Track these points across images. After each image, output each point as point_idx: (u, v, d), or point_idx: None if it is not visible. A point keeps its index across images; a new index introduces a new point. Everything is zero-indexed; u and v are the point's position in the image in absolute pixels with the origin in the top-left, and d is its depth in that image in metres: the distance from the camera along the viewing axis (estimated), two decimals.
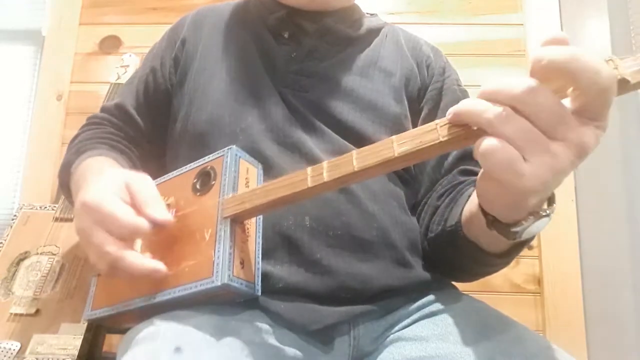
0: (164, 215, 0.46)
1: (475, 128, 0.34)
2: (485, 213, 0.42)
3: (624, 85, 0.32)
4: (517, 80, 0.32)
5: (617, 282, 1.10)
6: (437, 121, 0.36)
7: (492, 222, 0.41)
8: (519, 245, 0.46)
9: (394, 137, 0.38)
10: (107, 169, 0.57)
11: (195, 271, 0.45)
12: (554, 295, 1.22)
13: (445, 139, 0.35)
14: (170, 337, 0.43)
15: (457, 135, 0.35)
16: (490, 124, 0.33)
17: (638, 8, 1.11)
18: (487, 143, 0.33)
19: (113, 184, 0.48)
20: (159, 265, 0.45)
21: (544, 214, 0.38)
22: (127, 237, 0.45)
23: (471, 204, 0.50)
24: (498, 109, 0.33)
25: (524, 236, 0.40)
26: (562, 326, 1.19)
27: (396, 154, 0.37)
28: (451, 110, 0.35)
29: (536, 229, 0.39)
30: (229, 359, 0.42)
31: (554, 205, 0.39)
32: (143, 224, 0.44)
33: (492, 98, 0.33)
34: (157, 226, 0.45)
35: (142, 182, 0.49)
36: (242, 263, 0.46)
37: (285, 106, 0.62)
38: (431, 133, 0.36)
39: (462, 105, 0.34)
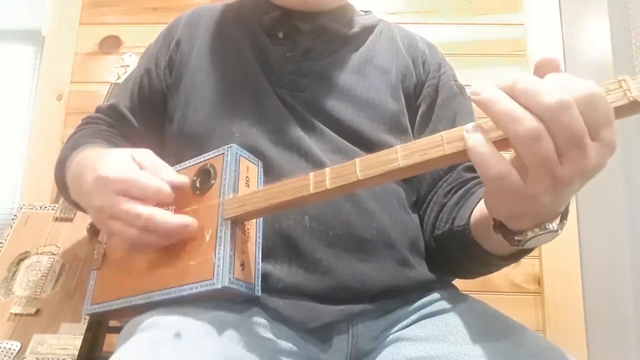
0: (179, 177, 0.47)
1: None
2: (493, 216, 0.42)
3: (636, 107, 0.32)
4: (553, 92, 0.31)
5: (617, 282, 1.09)
6: (442, 133, 0.36)
7: (499, 225, 0.41)
8: (524, 250, 0.46)
9: (398, 147, 0.38)
10: (107, 150, 0.57)
11: (195, 272, 0.45)
12: (554, 295, 1.22)
13: (451, 152, 0.35)
14: (170, 325, 0.43)
15: (463, 150, 0.35)
16: (517, 138, 0.32)
17: (638, 8, 1.11)
18: (481, 155, 0.33)
19: (121, 158, 0.49)
20: (189, 220, 0.46)
21: (550, 228, 0.37)
22: (151, 201, 0.46)
23: (482, 207, 0.50)
24: (531, 124, 0.31)
25: (527, 245, 0.40)
26: (562, 326, 1.19)
27: (400, 165, 0.37)
28: (479, 96, 0.33)
29: (541, 242, 0.39)
30: (227, 349, 0.43)
31: (565, 222, 0.38)
32: (165, 185, 0.46)
33: (523, 100, 0.32)
34: (176, 189, 0.47)
35: (147, 153, 0.50)
36: (242, 265, 0.46)
37: (283, 106, 0.62)
38: (436, 145, 0.36)
39: (495, 102, 0.32)
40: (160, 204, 0.47)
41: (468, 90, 0.35)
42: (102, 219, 0.49)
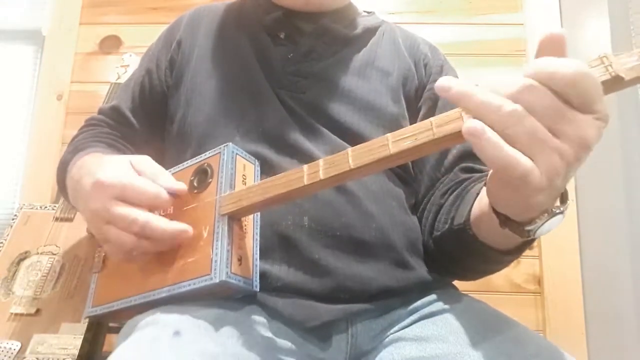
0: (177, 183, 0.48)
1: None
2: (497, 212, 0.42)
3: (618, 82, 0.32)
4: (513, 80, 0.33)
5: (617, 282, 1.10)
6: (431, 119, 0.36)
7: (505, 221, 0.41)
8: (528, 242, 0.46)
9: (389, 134, 0.38)
10: (107, 156, 0.57)
11: (193, 268, 0.45)
12: (554, 295, 1.22)
13: (440, 136, 0.35)
14: (169, 323, 0.43)
15: (452, 133, 0.35)
16: (505, 123, 0.33)
17: (638, 8, 1.11)
18: (491, 146, 0.33)
19: (120, 164, 0.49)
20: (185, 226, 0.47)
21: (557, 211, 0.38)
22: (147, 207, 0.46)
23: (481, 203, 0.49)
24: (513, 106, 0.33)
25: (538, 234, 0.39)
26: (562, 326, 1.19)
27: (391, 152, 0.37)
28: (451, 91, 0.34)
29: (550, 227, 0.39)
30: (226, 347, 0.43)
31: (568, 202, 0.39)
32: (162, 191, 0.46)
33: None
34: (174, 195, 0.47)
35: (146, 160, 0.51)
36: (240, 260, 0.46)
37: (283, 107, 0.62)
38: (426, 130, 0.36)
39: (472, 94, 0.34)
40: (155, 209, 0.48)
41: (435, 86, 0.35)
42: (97, 224, 0.48)
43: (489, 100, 0.33)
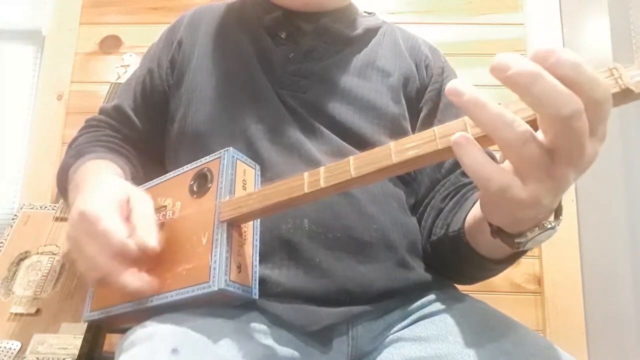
0: (152, 242, 0.45)
1: (473, 137, 0.33)
2: (490, 222, 0.42)
3: (628, 95, 0.32)
4: (570, 100, 0.29)
5: (617, 282, 1.09)
6: (434, 129, 0.36)
7: (497, 231, 0.41)
8: (520, 253, 0.46)
9: (391, 143, 0.37)
10: (107, 176, 0.56)
11: (192, 275, 0.45)
12: (554, 295, 1.22)
13: (444, 147, 0.35)
14: (167, 338, 0.43)
15: None
16: (508, 144, 0.31)
17: (638, 8, 1.11)
18: (481, 172, 0.32)
19: (113, 196, 0.48)
20: (144, 287, 0.45)
21: (549, 226, 0.37)
22: (116, 254, 0.45)
23: (476, 211, 0.50)
24: (520, 128, 0.30)
25: (528, 246, 0.39)
26: (562, 326, 1.19)
27: (394, 162, 0.37)
28: (464, 97, 0.31)
29: (540, 241, 0.39)
30: None
31: (561, 217, 0.38)
32: (131, 246, 0.44)
33: (536, 105, 0.30)
34: (143, 250, 0.45)
35: (141, 201, 0.49)
36: (239, 267, 0.46)
37: (284, 107, 0.62)
38: (429, 141, 0.36)
39: (482, 106, 0.31)
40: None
41: (446, 88, 0.32)
42: (72, 248, 0.49)
43: (502, 114, 0.30)
